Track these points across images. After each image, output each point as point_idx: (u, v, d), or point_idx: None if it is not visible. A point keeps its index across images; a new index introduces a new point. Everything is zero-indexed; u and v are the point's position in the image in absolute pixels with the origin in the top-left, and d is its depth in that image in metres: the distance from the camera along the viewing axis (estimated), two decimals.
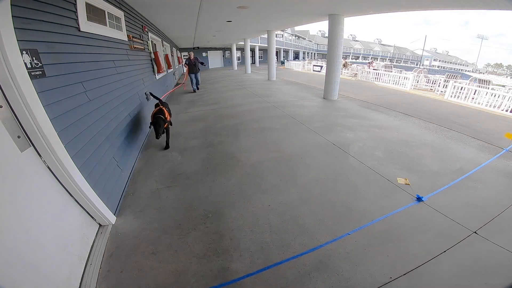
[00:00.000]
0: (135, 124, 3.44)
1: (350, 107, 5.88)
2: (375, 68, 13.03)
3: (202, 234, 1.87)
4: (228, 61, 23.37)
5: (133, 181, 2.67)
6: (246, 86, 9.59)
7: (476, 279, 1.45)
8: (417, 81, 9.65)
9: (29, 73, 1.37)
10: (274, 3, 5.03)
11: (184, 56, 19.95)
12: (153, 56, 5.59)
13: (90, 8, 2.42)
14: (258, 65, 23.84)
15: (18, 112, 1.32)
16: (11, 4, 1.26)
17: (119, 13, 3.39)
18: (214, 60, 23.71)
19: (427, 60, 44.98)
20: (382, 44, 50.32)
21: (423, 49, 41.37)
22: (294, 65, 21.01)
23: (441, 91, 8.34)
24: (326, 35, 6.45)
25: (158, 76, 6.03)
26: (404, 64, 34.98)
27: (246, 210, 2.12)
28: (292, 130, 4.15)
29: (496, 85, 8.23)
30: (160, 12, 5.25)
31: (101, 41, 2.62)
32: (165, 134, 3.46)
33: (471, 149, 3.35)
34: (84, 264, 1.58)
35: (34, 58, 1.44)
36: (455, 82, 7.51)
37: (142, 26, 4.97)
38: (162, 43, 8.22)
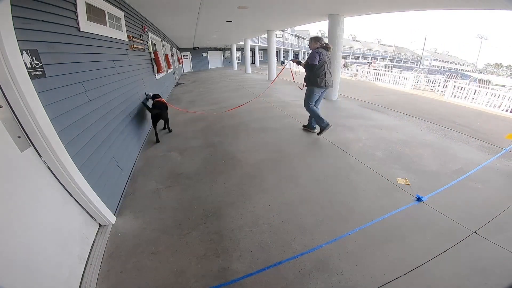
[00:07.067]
0: (135, 124, 3.44)
1: (350, 107, 5.88)
2: (375, 68, 13.03)
3: (202, 234, 1.87)
4: (228, 61, 23.36)
5: (133, 181, 2.67)
6: (246, 86, 9.58)
7: (476, 279, 1.45)
8: (417, 81, 9.65)
9: (29, 73, 1.37)
10: (274, 3, 5.03)
11: (184, 56, 19.93)
12: (153, 56, 5.59)
13: (90, 8, 2.42)
14: (258, 65, 23.82)
15: (18, 112, 1.32)
16: (11, 4, 1.26)
17: (119, 13, 3.40)
18: (214, 60, 23.71)
19: (427, 60, 44.97)
20: (382, 44, 50.30)
21: (423, 49, 41.33)
22: (294, 65, 21.00)
23: (441, 91, 8.34)
24: (326, 35, 6.43)
25: (158, 76, 6.04)
26: (404, 64, 34.96)
27: (246, 210, 2.12)
28: (292, 130, 4.15)
29: (496, 85, 8.22)
30: (160, 12, 5.26)
31: (101, 41, 2.62)
32: (164, 122, 4.16)
33: (471, 149, 3.34)
34: (84, 264, 1.57)
35: (34, 58, 1.44)
36: (455, 82, 7.51)
37: (142, 26, 4.97)
38: (162, 43, 8.22)
